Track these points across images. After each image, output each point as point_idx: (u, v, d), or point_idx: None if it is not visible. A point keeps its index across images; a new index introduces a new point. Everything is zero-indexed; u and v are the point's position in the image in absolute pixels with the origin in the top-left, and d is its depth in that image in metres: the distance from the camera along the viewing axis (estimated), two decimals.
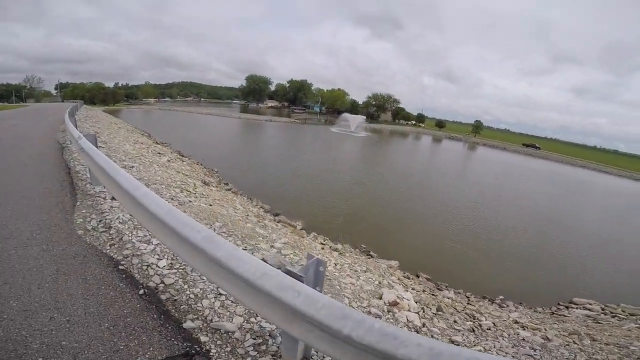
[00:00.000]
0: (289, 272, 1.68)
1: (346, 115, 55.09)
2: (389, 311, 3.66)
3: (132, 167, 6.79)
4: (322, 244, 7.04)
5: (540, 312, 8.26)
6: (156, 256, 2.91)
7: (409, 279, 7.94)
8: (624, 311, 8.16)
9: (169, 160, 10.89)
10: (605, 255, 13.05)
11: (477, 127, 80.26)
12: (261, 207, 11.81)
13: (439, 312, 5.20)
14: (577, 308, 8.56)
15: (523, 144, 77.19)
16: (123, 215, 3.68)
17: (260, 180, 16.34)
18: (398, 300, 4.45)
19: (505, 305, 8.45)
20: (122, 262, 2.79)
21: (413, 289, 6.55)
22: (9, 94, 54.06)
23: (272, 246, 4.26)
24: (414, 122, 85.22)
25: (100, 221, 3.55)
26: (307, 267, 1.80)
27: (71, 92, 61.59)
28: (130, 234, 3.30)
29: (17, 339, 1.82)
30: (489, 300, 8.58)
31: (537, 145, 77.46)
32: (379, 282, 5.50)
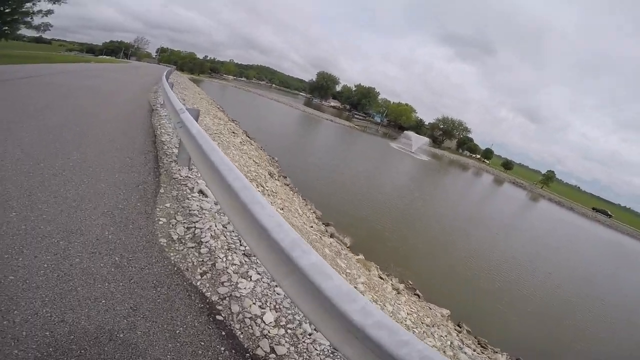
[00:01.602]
0: None
1: (410, 133, 52.99)
2: None
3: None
4: (394, 289, 6.32)
5: None
6: (257, 302, 2.25)
7: (459, 332, 7.02)
8: None
9: (241, 142, 11.01)
10: None
11: (548, 178, 71.93)
12: (314, 212, 11.46)
13: None
14: None
15: (593, 208, 67.80)
16: (216, 226, 2.99)
17: (312, 180, 16.04)
18: None
19: None
20: (218, 307, 2.07)
21: (475, 350, 5.67)
22: (119, 50, 62.10)
23: (355, 287, 3.72)
24: (478, 156, 79.42)
25: (188, 228, 2.83)
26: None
27: (167, 57, 68.67)
28: (224, 259, 2.58)
29: None
30: None
31: (608, 212, 67.52)
32: (451, 344, 4.77)
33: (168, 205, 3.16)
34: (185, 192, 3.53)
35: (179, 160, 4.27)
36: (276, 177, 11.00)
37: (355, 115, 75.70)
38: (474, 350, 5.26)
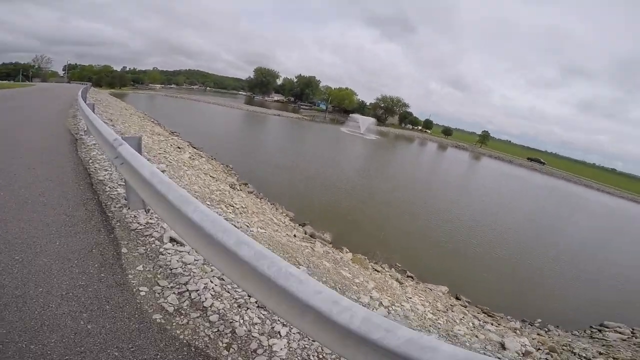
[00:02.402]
0: None
1: (356, 116, 53.98)
2: None
3: (163, 171, 5.75)
4: (396, 280, 6.04)
5: (578, 336, 7.89)
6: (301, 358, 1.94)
7: (464, 306, 7.17)
8: None
9: (191, 157, 9.85)
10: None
11: (484, 138, 79.34)
12: (286, 215, 10.87)
13: (552, 353, 4.52)
14: (609, 331, 8.24)
15: (528, 158, 76.58)
16: (211, 282, 2.43)
17: (273, 180, 15.31)
18: (530, 349, 3.92)
19: (547, 329, 7.97)
20: None
21: (491, 323, 5.73)
22: (17, 73, 52.47)
23: (371, 296, 3.30)
24: (420, 127, 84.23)
25: (181, 294, 2.26)
26: None
27: (79, 74, 60.01)
28: (241, 321, 2.10)
29: None
30: (529, 324, 8.16)
31: (541, 160, 76.97)
32: (473, 325, 4.71)
33: (141, 268, 2.47)
34: (154, 246, 2.79)
35: (130, 204, 3.37)
36: (238, 187, 10.11)
37: (302, 106, 74.95)
38: (491, 324, 5.30)
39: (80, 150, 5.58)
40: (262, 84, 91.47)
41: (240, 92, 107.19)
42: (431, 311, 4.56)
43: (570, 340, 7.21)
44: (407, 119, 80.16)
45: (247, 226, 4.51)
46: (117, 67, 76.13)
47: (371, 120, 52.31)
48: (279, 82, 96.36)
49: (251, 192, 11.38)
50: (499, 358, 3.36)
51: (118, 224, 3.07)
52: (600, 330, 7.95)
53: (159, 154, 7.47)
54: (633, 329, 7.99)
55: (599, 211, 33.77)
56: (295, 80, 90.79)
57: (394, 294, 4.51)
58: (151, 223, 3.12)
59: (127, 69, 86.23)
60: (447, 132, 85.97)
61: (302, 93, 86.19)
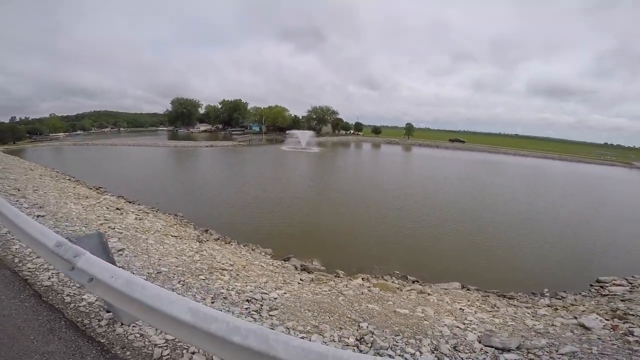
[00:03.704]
0: None
1: (295, 132, 53.84)
2: None
3: (121, 250, 4.27)
4: (420, 293, 5.49)
5: (588, 296, 8.37)
6: None
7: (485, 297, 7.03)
8: None
9: (138, 218, 8.05)
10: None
11: (409, 130, 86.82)
12: (265, 253, 9.71)
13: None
14: (610, 286, 8.77)
15: (450, 140, 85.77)
16: None
17: (230, 217, 13.85)
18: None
19: (560, 297, 8.29)
20: None
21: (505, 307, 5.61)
22: None
23: (458, 327, 2.68)
24: (352, 131, 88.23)
25: None
26: None
27: None
28: None
29: None
30: (541, 296, 8.42)
31: (461, 139, 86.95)
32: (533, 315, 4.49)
33: None
34: None
35: (121, 318, 2.23)
36: (205, 239, 8.60)
37: (233, 132, 71.98)
38: (519, 307, 5.19)
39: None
40: (183, 115, 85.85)
41: (160, 128, 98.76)
42: (494, 316, 4.46)
43: (593, 302, 7.52)
44: (339, 125, 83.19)
45: (265, 294, 3.51)
46: (3, 119, 63.36)
47: (310, 133, 52.79)
48: (202, 110, 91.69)
49: (225, 242, 9.91)
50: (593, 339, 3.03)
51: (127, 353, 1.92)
52: (602, 287, 8.52)
53: (101, 224, 5.79)
54: (627, 279, 8.62)
55: (528, 172, 38.90)
56: (219, 106, 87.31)
57: (450, 310, 4.38)
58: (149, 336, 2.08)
59: (18, 119, 72.53)
60: (376, 131, 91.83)
61: (230, 118, 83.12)
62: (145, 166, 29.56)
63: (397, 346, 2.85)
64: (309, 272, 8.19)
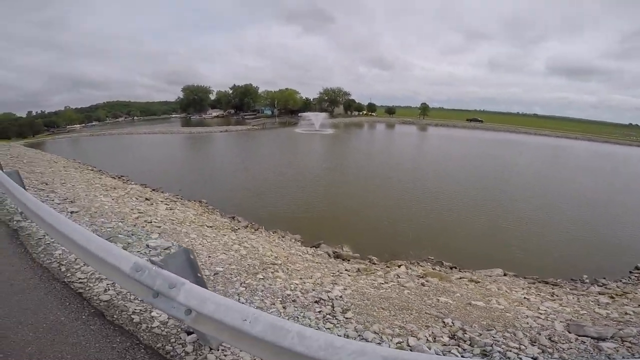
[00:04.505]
0: None
1: (308, 114, 52.90)
2: None
3: (167, 249, 3.94)
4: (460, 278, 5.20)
5: (630, 284, 8.05)
6: None
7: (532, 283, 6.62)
8: None
9: (168, 208, 7.83)
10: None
11: (425, 109, 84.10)
12: (295, 240, 9.48)
13: None
14: None
15: (467, 119, 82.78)
16: None
17: (254, 203, 13.60)
18: None
19: (602, 285, 7.98)
20: None
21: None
22: None
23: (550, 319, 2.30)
24: (364, 111, 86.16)
25: None
26: None
27: None
28: None
29: None
30: (581, 283, 8.12)
31: (479, 118, 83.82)
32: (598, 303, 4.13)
33: None
34: None
35: (210, 342, 1.92)
36: (237, 227, 8.35)
37: (245, 117, 71.49)
38: (579, 296, 4.77)
39: (32, 249, 3.52)
40: (194, 102, 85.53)
41: (173, 115, 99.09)
42: (561, 305, 4.26)
43: (630, 289, 7.13)
44: (351, 106, 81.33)
45: (328, 292, 3.18)
46: (21, 113, 64.92)
47: (323, 115, 51.83)
48: (213, 97, 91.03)
49: (247, 227, 9.70)
50: None
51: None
52: None
53: (137, 217, 5.54)
54: None
55: (553, 152, 37.23)
56: (230, 91, 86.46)
57: (526, 303, 4.11)
58: None
59: (34, 113, 74.15)
60: (390, 111, 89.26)
61: (241, 103, 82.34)
62: (162, 153, 29.68)
63: (498, 341, 2.54)
64: (343, 260, 7.92)
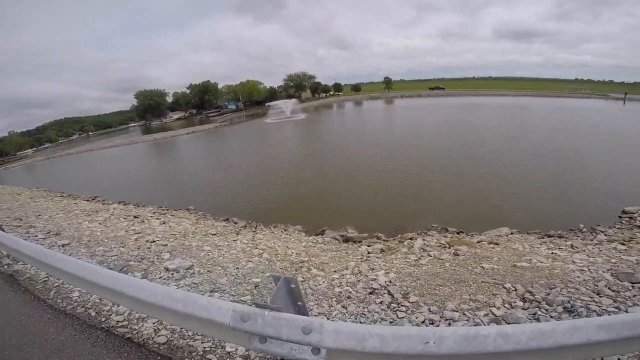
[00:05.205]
0: None
1: (277, 102, 51.41)
2: None
3: (189, 268, 3.62)
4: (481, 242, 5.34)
5: (623, 228, 8.18)
6: None
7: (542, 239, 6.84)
8: None
9: (162, 223, 7.32)
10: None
11: (388, 83, 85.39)
12: (299, 231, 9.30)
13: None
14: (638, 216, 8.53)
15: (430, 88, 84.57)
16: None
17: (243, 200, 13.26)
18: None
19: (599, 232, 8.07)
20: None
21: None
22: None
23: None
24: (332, 92, 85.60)
25: None
26: None
27: None
28: None
29: None
30: (579, 232, 8.21)
31: (441, 86, 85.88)
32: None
33: None
34: None
35: None
36: (238, 231, 8.02)
37: (209, 115, 68.60)
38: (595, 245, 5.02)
39: (42, 294, 3.03)
40: (151, 107, 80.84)
41: (130, 124, 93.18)
42: (588, 256, 4.35)
43: (631, 234, 7.29)
44: (318, 89, 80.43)
45: (373, 280, 3.06)
46: None
47: (293, 101, 50.81)
48: (170, 99, 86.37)
49: (245, 227, 9.37)
50: None
51: None
52: (631, 218, 8.23)
53: (137, 239, 5.10)
54: None
55: (514, 112, 38.87)
56: (188, 91, 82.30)
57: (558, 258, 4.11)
58: None
59: None
60: (356, 88, 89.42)
61: (202, 102, 78.81)
62: (131, 165, 27.90)
63: (572, 297, 2.54)
64: (355, 242, 7.87)
